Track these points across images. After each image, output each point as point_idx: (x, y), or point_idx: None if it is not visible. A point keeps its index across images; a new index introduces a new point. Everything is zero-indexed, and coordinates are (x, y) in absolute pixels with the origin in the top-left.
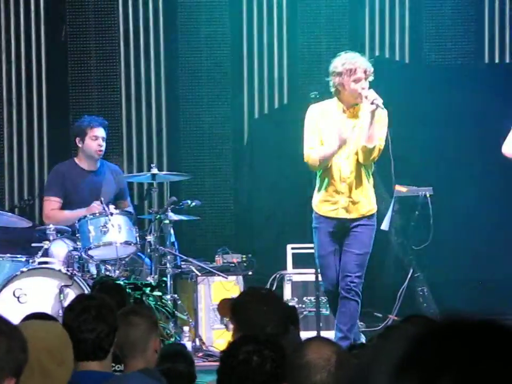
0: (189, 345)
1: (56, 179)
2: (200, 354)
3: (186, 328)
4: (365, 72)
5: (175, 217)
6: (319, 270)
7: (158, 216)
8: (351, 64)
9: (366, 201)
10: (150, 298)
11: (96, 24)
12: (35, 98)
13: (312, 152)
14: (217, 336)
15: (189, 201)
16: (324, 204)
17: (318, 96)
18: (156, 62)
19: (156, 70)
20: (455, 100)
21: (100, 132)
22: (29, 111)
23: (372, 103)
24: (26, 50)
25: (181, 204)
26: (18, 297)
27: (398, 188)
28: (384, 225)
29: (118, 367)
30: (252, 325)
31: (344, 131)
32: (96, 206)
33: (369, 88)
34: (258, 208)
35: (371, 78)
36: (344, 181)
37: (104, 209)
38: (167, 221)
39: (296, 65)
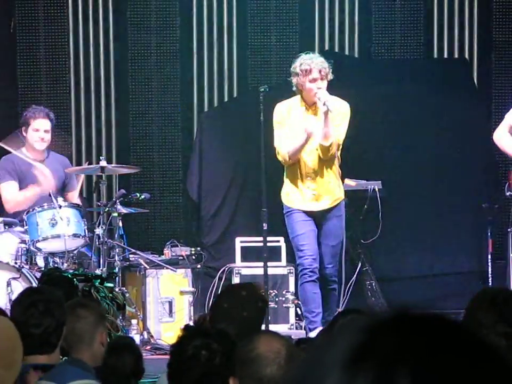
0: (137, 338)
1: (8, 165)
2: (148, 347)
3: (134, 321)
4: (320, 72)
5: (123, 210)
6: (296, 249)
7: (107, 209)
8: (307, 64)
9: (330, 191)
10: (101, 290)
11: (45, 15)
12: None
13: (281, 148)
14: (166, 329)
15: (138, 194)
16: (291, 197)
17: (267, 90)
18: (105, 54)
19: (105, 61)
20: (404, 94)
21: (42, 124)
22: None
23: (324, 104)
24: None
25: (130, 196)
26: None
27: (347, 181)
28: None
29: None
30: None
31: (309, 126)
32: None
33: (327, 87)
34: (207, 201)
35: (330, 77)
36: (309, 175)
37: (52, 201)
38: (115, 214)
39: (245, 58)
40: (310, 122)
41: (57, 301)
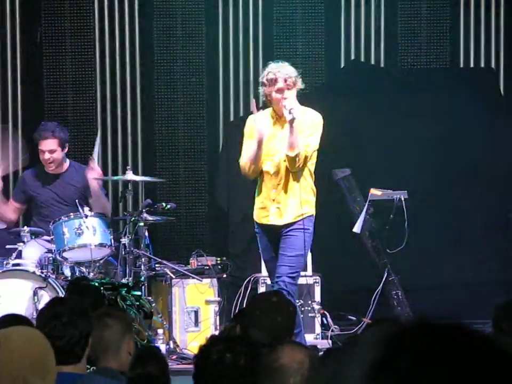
0: (163, 347)
1: (18, 185)
2: (174, 357)
3: (160, 331)
4: (286, 81)
5: (150, 219)
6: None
7: (133, 218)
8: (273, 74)
9: (295, 206)
10: (128, 298)
11: (71, 26)
12: (10, 100)
13: (241, 160)
14: (191, 339)
15: (164, 204)
16: (258, 211)
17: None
18: (131, 65)
19: (131, 72)
20: (430, 103)
21: (47, 145)
22: (4, 114)
23: (290, 113)
24: (1, 52)
25: (155, 206)
26: None
27: (373, 191)
28: (356, 228)
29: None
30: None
31: (261, 127)
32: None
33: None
34: (233, 211)
35: (299, 86)
36: (275, 188)
37: (78, 210)
38: (142, 223)
39: None
40: (264, 125)
41: (82, 312)
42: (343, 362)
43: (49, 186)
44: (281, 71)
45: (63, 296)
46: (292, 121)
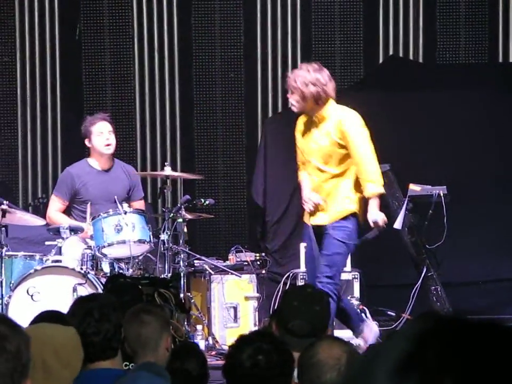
0: (202, 343)
1: (65, 181)
2: (213, 352)
3: (199, 327)
4: (288, 87)
5: (188, 215)
6: None
7: (172, 214)
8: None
9: (334, 206)
10: (166, 294)
11: (110, 22)
12: (49, 97)
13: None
14: (230, 335)
15: (203, 200)
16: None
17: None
18: (169, 60)
19: (169, 68)
20: (469, 99)
21: (104, 126)
22: (43, 110)
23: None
24: (40, 49)
25: (194, 202)
26: (32, 296)
27: (412, 187)
28: (397, 224)
29: (132, 366)
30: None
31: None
32: (86, 231)
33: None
34: (272, 207)
35: (302, 88)
36: (315, 189)
37: (117, 207)
38: (180, 220)
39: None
40: (314, 137)
41: (111, 305)
42: (371, 357)
43: (96, 182)
44: (289, 78)
45: (101, 292)
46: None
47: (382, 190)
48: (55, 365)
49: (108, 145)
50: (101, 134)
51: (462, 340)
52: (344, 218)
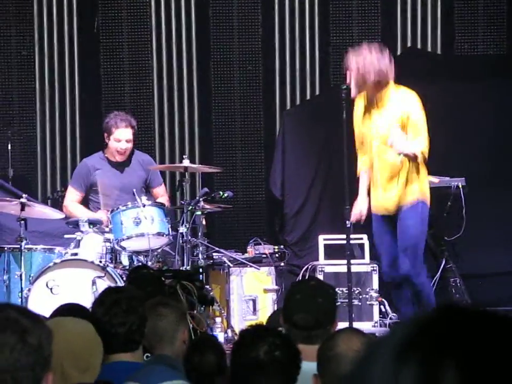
0: (221, 336)
1: (81, 172)
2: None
3: (218, 319)
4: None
5: (207, 208)
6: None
7: (190, 207)
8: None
9: (397, 193)
10: (188, 286)
11: (128, 16)
12: (67, 90)
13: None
14: None
15: (221, 193)
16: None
17: (349, 87)
18: (188, 54)
19: (188, 62)
20: (487, 90)
21: (124, 134)
22: (62, 103)
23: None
24: (59, 42)
25: (213, 195)
26: (51, 289)
27: (430, 178)
28: None
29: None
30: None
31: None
32: (105, 218)
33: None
34: (290, 199)
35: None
36: (377, 177)
37: (136, 199)
38: (199, 212)
39: (327, 55)
40: (375, 119)
41: (139, 298)
42: (375, 342)
43: (113, 175)
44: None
45: (121, 285)
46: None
47: None
48: (74, 372)
49: (121, 154)
50: (119, 141)
51: (463, 326)
52: None
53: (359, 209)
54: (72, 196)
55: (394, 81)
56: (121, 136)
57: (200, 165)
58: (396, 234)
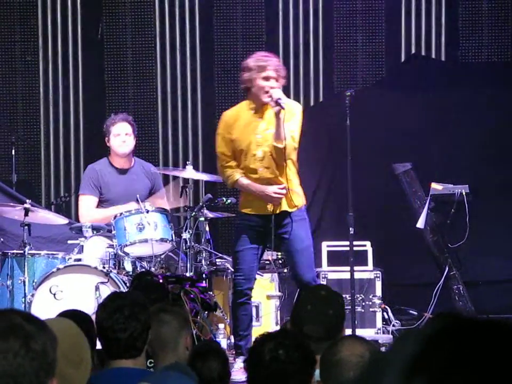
0: (224, 342)
1: (91, 177)
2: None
3: (221, 326)
4: (276, 70)
5: (210, 214)
6: None
7: (194, 213)
8: (263, 61)
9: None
10: (192, 292)
11: (132, 21)
12: (71, 96)
13: (224, 171)
14: (252, 333)
15: (224, 199)
16: None
17: (353, 94)
18: (191, 60)
19: (191, 67)
20: (492, 98)
21: (122, 128)
22: (66, 109)
23: (276, 103)
24: (63, 48)
25: (216, 201)
26: (54, 294)
27: (434, 185)
28: (420, 223)
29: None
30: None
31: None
32: (133, 205)
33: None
34: None
35: (283, 82)
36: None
37: (140, 206)
38: (202, 218)
39: (331, 62)
40: (258, 129)
41: (142, 305)
42: (383, 357)
43: (117, 181)
44: (273, 60)
45: (124, 291)
46: (279, 112)
47: None
48: (69, 370)
49: (123, 147)
50: (118, 136)
51: (471, 341)
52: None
53: None
54: (88, 203)
55: (399, 87)
56: (119, 130)
57: (203, 173)
58: None
